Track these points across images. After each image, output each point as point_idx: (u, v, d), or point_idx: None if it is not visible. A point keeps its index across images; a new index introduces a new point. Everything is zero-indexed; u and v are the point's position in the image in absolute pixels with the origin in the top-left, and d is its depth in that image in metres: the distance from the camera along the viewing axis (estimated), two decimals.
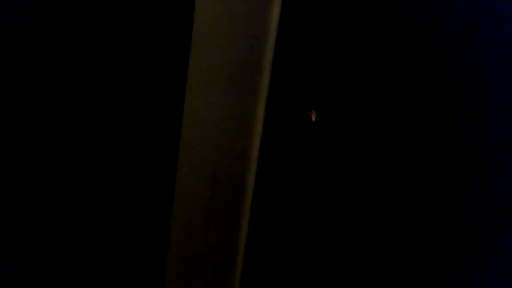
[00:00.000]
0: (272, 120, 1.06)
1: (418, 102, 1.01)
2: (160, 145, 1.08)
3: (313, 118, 1.05)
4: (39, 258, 1.13)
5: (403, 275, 1.07)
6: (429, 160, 1.02)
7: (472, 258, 1.04)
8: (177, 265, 1.09)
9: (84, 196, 1.11)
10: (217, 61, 1.01)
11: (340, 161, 1.06)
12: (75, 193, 1.11)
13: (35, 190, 1.11)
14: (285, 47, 1.03)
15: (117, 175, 1.10)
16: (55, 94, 1.07)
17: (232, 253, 1.08)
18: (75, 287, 1.13)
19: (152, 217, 1.11)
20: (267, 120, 1.05)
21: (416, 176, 1.03)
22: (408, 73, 1.01)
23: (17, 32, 1.04)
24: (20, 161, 1.10)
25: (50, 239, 1.12)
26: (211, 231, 1.07)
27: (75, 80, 1.06)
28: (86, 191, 1.11)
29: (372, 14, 1.01)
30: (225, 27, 0.99)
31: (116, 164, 1.10)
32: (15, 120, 1.08)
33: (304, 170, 1.08)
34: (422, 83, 1.00)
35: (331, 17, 1.02)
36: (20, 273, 1.14)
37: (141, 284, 1.13)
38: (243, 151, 1.05)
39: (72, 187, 1.10)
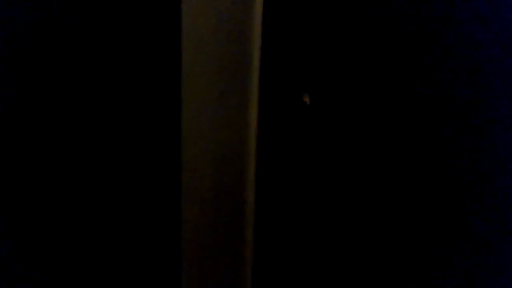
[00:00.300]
0: (268, 108, 1.05)
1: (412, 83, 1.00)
2: (162, 144, 1.08)
3: (308, 101, 1.04)
4: (49, 259, 1.13)
5: (402, 273, 1.07)
6: (429, 142, 1.02)
7: (471, 257, 1.04)
8: (191, 263, 1.10)
9: (90, 200, 1.11)
10: (209, 52, 1.01)
11: (340, 146, 1.05)
12: (81, 194, 1.11)
13: (39, 191, 1.11)
14: (274, 31, 1.01)
15: (120, 179, 1.10)
16: (51, 96, 1.07)
17: (242, 245, 1.09)
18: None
19: (162, 218, 1.11)
20: (262, 108, 1.04)
21: (415, 159, 1.03)
22: (403, 51, 1.00)
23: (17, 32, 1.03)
24: (21, 161, 1.10)
25: (59, 238, 1.12)
26: (219, 225, 1.08)
27: (70, 81, 1.06)
28: (91, 195, 1.11)
29: None
30: (212, 14, 0.99)
31: (118, 168, 1.10)
32: (15, 120, 1.08)
33: (304, 157, 1.07)
34: (418, 63, 0.99)
35: None
36: (25, 274, 1.14)
37: (159, 281, 1.14)
38: (242, 144, 1.05)
39: (77, 188, 1.10)
